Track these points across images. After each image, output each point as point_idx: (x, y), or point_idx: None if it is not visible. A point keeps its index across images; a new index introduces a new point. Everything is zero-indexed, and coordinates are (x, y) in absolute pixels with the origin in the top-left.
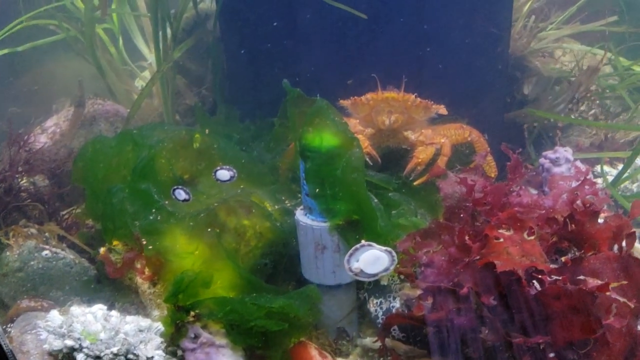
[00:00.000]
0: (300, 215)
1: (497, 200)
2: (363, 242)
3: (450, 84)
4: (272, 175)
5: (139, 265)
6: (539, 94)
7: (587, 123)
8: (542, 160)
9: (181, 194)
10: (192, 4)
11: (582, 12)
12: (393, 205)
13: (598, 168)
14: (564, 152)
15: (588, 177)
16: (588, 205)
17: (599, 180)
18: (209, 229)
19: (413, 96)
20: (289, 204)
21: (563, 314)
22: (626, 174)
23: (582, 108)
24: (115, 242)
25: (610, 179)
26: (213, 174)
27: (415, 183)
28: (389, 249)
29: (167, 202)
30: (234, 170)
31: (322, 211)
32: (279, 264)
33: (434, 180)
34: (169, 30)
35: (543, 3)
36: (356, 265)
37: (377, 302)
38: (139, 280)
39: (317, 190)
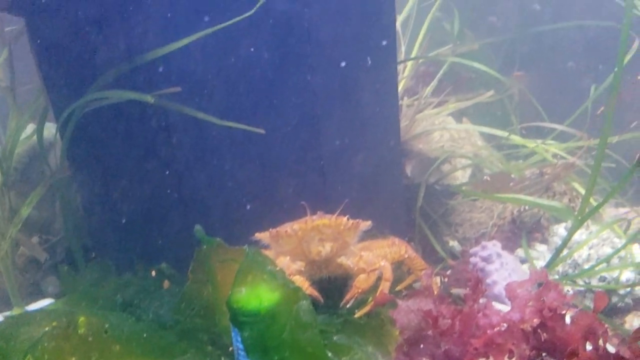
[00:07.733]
0: None
1: (468, 327)
2: None
3: (354, 187)
4: (182, 341)
5: None
6: (421, 175)
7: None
8: (473, 259)
9: None
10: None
11: (444, 86)
12: (342, 352)
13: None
14: (493, 247)
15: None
16: (555, 309)
17: (525, 266)
18: None
19: (345, 219)
20: None
21: None
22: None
23: None
24: None
25: (536, 263)
26: None
27: (357, 315)
28: None
29: None
30: None
31: None
32: None
33: (376, 310)
34: None
35: (413, 82)
36: None
37: None
38: None
39: None
